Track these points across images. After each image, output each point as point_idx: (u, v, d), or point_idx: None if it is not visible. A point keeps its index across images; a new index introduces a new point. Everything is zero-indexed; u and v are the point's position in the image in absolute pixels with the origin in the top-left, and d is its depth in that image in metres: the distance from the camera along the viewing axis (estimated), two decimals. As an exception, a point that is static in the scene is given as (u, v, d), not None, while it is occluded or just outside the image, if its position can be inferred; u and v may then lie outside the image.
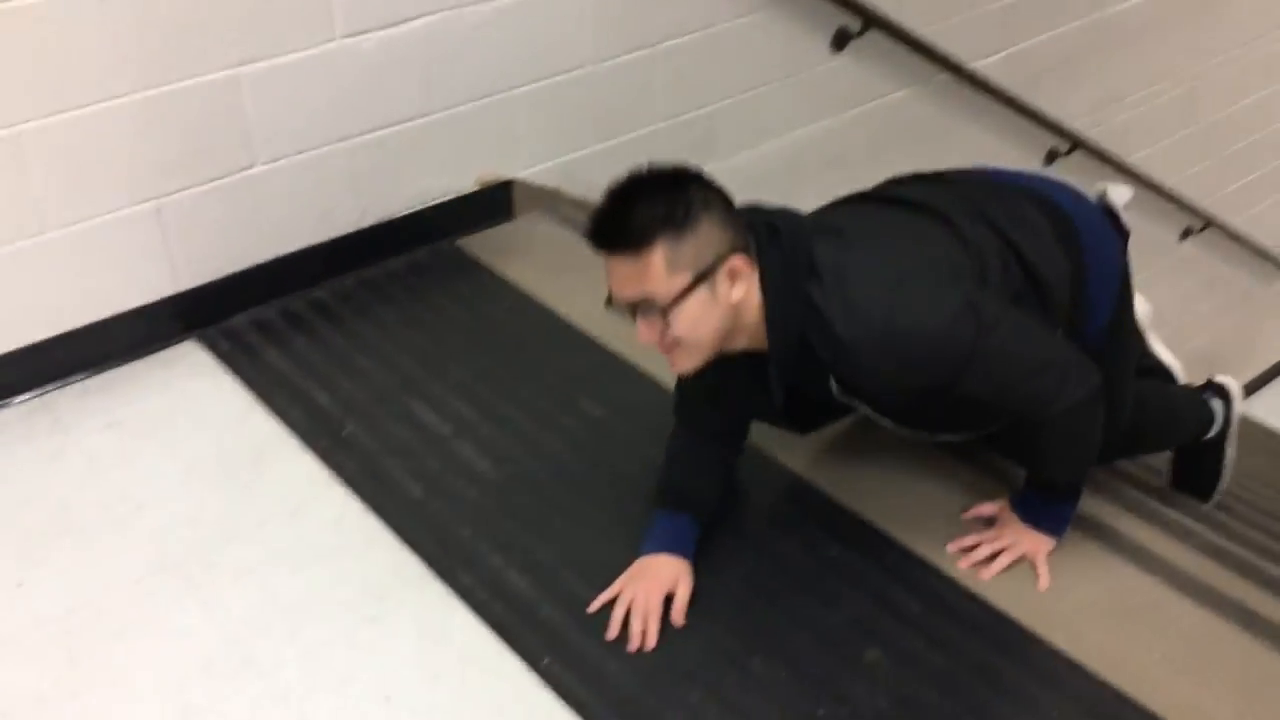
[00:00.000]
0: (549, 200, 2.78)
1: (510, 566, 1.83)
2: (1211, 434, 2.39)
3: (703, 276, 1.55)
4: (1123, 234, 1.94)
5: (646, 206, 1.53)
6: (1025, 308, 1.72)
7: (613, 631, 1.70)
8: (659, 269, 1.53)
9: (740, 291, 1.59)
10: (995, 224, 1.73)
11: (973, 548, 1.86)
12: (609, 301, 1.62)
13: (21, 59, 2.01)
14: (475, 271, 2.61)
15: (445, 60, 2.50)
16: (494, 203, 2.74)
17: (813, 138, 3.30)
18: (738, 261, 1.58)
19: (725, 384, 1.78)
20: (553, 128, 2.74)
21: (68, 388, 2.23)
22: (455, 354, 2.33)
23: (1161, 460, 2.43)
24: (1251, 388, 5.81)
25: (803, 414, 1.92)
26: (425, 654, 1.68)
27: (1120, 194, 1.96)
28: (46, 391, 2.22)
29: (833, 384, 1.71)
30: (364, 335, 2.39)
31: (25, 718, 1.59)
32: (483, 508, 1.95)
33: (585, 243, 1.58)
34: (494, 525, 1.91)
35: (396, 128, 2.51)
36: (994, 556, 1.84)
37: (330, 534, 1.90)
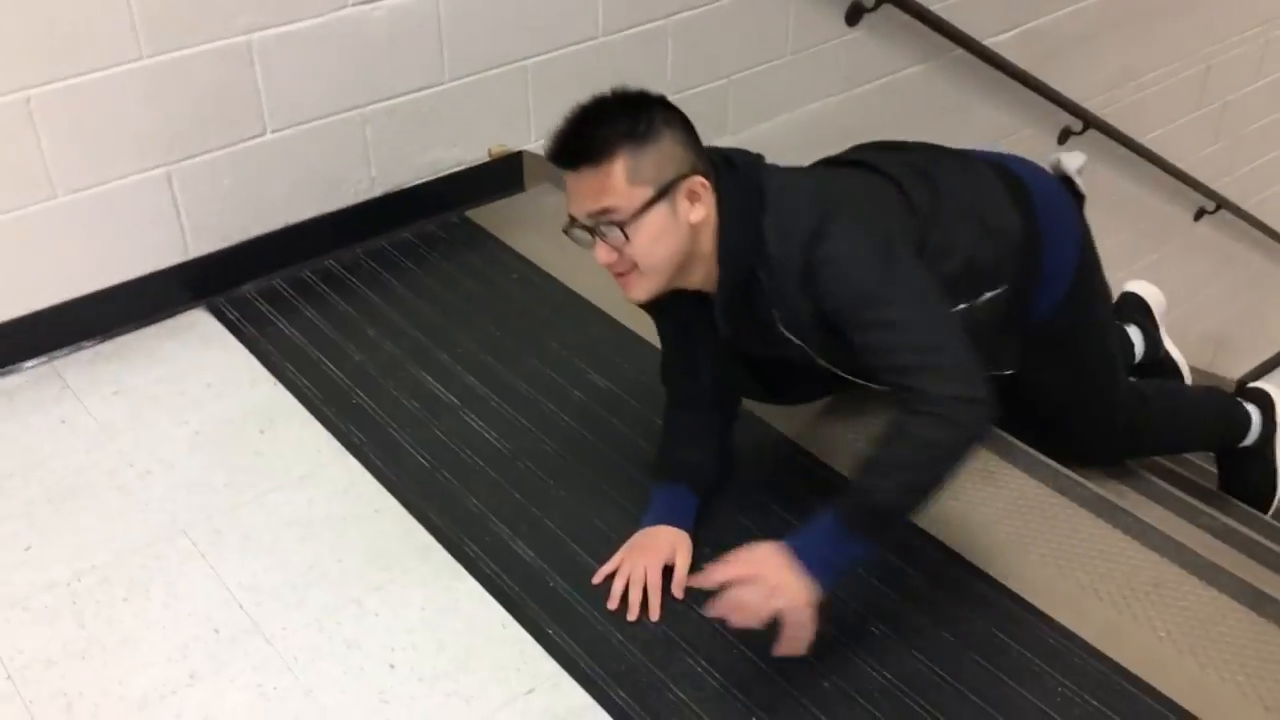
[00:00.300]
0: (559, 172, 2.77)
1: (517, 537, 1.83)
2: (1250, 441, 2.37)
3: (663, 192, 1.56)
4: (1078, 198, 1.96)
5: (608, 122, 1.55)
6: (982, 267, 1.73)
7: (613, 603, 1.71)
8: (620, 181, 1.54)
9: (699, 213, 1.60)
10: (945, 185, 1.74)
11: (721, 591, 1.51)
12: (568, 227, 1.62)
13: (31, 23, 2.00)
14: (485, 243, 2.61)
15: (457, 30, 2.49)
16: (504, 174, 2.73)
17: (825, 112, 3.28)
18: (698, 182, 1.59)
19: (689, 334, 1.80)
20: (564, 99, 2.71)
21: (77, 353, 2.24)
22: (464, 325, 2.33)
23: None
24: (1261, 371, 5.79)
25: (772, 377, 1.90)
26: (431, 623, 1.69)
27: (1073, 160, 1.99)
28: (56, 357, 2.22)
29: (778, 322, 1.67)
30: (373, 305, 2.39)
31: (33, 680, 1.60)
32: (490, 478, 1.95)
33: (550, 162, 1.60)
34: (501, 496, 1.91)
35: (408, 97, 2.50)
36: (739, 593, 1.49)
37: (338, 503, 1.90)
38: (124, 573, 1.77)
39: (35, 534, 1.84)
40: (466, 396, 2.13)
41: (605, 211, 1.56)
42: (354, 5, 2.33)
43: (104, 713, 1.56)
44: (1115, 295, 2.58)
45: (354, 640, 1.66)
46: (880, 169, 1.75)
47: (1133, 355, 2.50)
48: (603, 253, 1.60)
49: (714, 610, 1.51)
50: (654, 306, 1.80)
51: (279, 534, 1.84)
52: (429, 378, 2.18)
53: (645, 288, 1.63)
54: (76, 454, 2.00)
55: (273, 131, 2.35)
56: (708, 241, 1.62)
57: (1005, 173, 1.85)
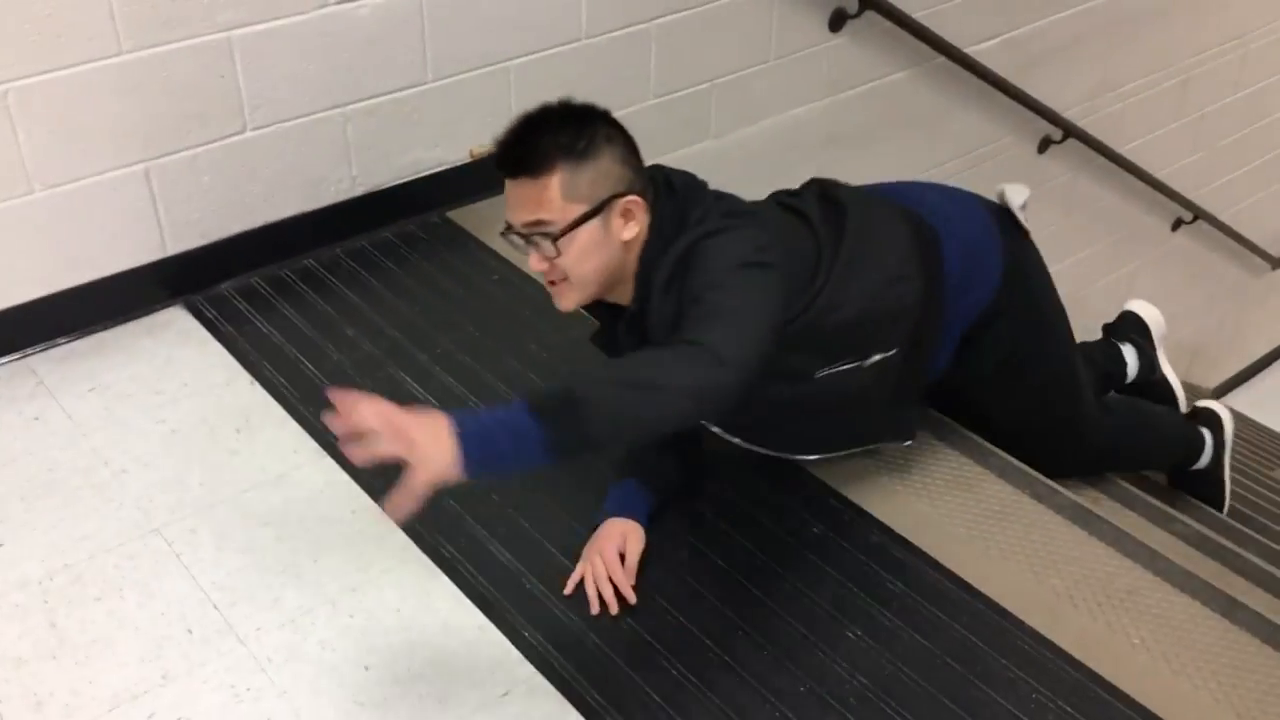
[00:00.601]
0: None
1: (493, 539, 1.83)
2: (1202, 464, 2.41)
3: (597, 210, 1.59)
4: (1019, 231, 1.99)
5: (550, 135, 1.58)
6: (870, 328, 1.74)
7: (594, 608, 1.71)
8: (555, 195, 1.57)
9: (632, 232, 1.63)
10: (849, 240, 1.74)
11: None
12: (505, 232, 1.64)
13: (9, 16, 1.99)
14: (465, 243, 2.60)
15: (440, 30, 2.48)
16: (486, 175, 2.70)
17: (808, 118, 3.29)
18: (633, 201, 1.61)
19: (613, 341, 1.81)
20: (546, 101, 2.73)
21: (52, 350, 2.22)
22: (443, 325, 2.32)
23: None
24: (1237, 381, 5.84)
25: None
26: (406, 624, 1.68)
27: (1017, 194, 2.01)
28: (30, 354, 2.21)
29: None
30: (352, 305, 2.38)
31: (3, 680, 1.59)
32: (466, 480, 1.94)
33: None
34: (478, 498, 1.90)
35: (390, 97, 2.49)
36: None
37: (314, 503, 1.89)
38: (97, 572, 1.76)
39: (7, 532, 1.83)
40: (445, 397, 2.12)
41: (539, 224, 1.60)
42: (336, 4, 2.32)
43: (74, 713, 1.55)
44: (1116, 314, 2.60)
45: (329, 641, 1.65)
46: (811, 222, 1.76)
47: (1124, 373, 2.51)
48: (535, 261, 1.63)
49: (333, 426, 1.36)
50: (591, 314, 1.82)
51: (254, 534, 1.83)
52: (407, 378, 2.17)
53: (573, 299, 1.67)
54: (50, 451, 1.98)
55: (253, 129, 2.34)
56: (637, 259, 1.65)
57: (920, 228, 1.84)
